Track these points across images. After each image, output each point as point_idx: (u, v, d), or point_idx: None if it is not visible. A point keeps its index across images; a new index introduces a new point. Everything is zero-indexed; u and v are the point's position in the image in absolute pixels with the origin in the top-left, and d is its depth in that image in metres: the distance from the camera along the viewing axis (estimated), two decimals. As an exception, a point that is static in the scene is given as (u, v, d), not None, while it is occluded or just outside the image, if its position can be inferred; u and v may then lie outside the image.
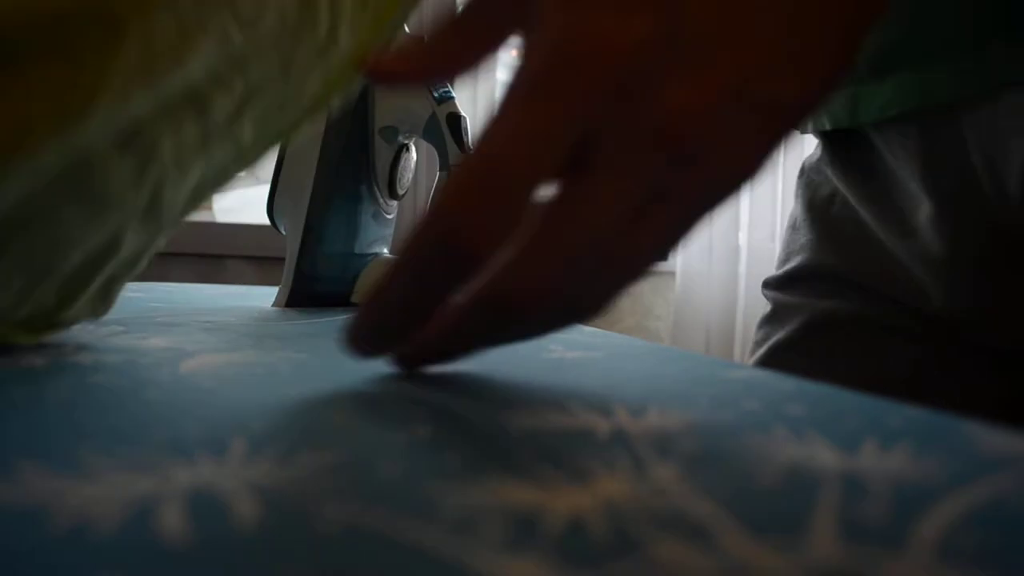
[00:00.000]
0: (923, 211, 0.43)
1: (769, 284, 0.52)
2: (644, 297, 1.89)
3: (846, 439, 0.15)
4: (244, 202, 1.61)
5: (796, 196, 0.52)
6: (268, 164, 0.52)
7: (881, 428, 0.16)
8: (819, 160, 0.50)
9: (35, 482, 0.12)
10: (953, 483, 0.12)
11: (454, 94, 0.55)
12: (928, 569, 0.09)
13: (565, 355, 0.28)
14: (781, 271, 0.51)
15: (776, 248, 2.01)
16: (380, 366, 0.24)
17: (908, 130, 0.43)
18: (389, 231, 0.59)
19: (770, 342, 0.49)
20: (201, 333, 0.33)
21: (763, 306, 0.54)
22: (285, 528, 0.10)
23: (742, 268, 1.77)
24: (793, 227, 0.52)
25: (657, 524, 0.10)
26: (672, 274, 1.84)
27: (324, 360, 0.26)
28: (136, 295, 0.65)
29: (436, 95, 0.54)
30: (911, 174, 0.43)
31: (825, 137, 0.49)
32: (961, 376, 0.45)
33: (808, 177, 0.51)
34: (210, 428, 0.15)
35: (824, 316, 0.47)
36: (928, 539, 0.10)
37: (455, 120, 0.54)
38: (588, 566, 0.09)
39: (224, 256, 1.58)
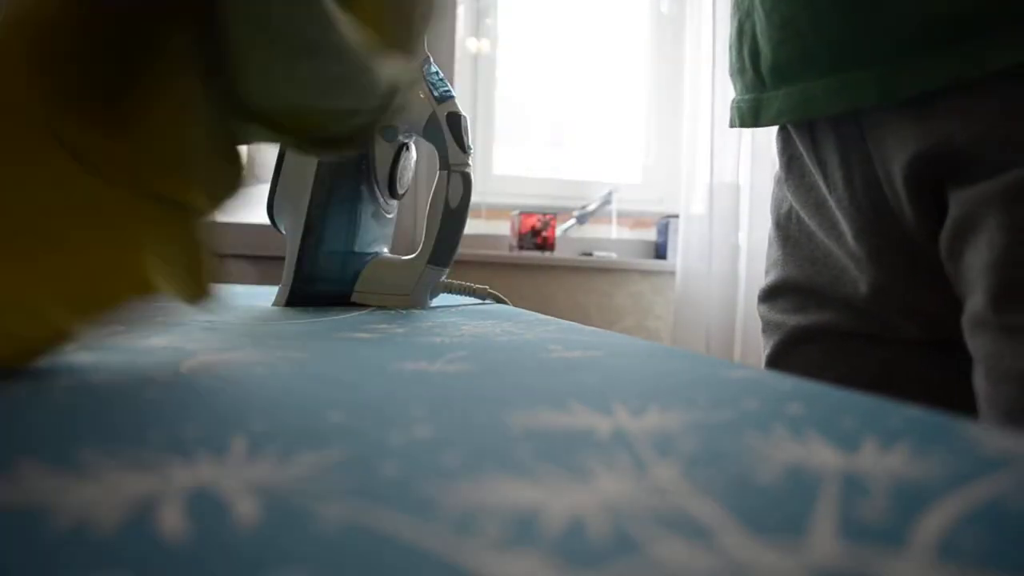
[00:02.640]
0: (845, 220, 0.48)
1: (759, 299, 0.58)
2: (644, 297, 1.89)
3: (846, 439, 0.15)
4: (244, 202, 1.61)
5: (771, 211, 0.58)
6: (267, 164, 0.52)
7: (881, 428, 0.16)
8: (778, 177, 0.55)
9: (35, 482, 0.12)
10: (953, 483, 0.12)
11: (454, 93, 0.55)
12: (928, 569, 0.09)
13: (565, 355, 0.28)
14: (765, 285, 0.57)
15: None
16: (380, 366, 0.24)
17: (830, 146, 0.48)
18: (389, 230, 0.59)
19: (765, 354, 0.56)
20: (201, 333, 0.33)
21: None
22: (285, 528, 0.10)
23: (742, 268, 1.77)
24: (769, 242, 0.57)
25: (657, 524, 0.10)
26: (672, 274, 1.84)
27: (324, 359, 0.26)
28: (136, 295, 0.65)
29: (436, 94, 0.54)
30: (834, 187, 0.48)
31: (781, 153, 0.55)
32: (919, 374, 0.49)
33: (774, 192, 0.57)
34: (210, 428, 0.15)
35: (797, 332, 0.53)
36: (928, 539, 0.10)
37: (455, 119, 0.54)
38: (588, 566, 0.09)
39: (224, 255, 1.57)
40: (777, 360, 0.53)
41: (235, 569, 0.09)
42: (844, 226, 0.48)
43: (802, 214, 0.52)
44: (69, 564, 0.09)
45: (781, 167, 0.54)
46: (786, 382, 0.22)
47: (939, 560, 0.09)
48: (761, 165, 1.83)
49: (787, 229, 0.53)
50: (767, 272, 0.56)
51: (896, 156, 0.43)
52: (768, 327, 0.55)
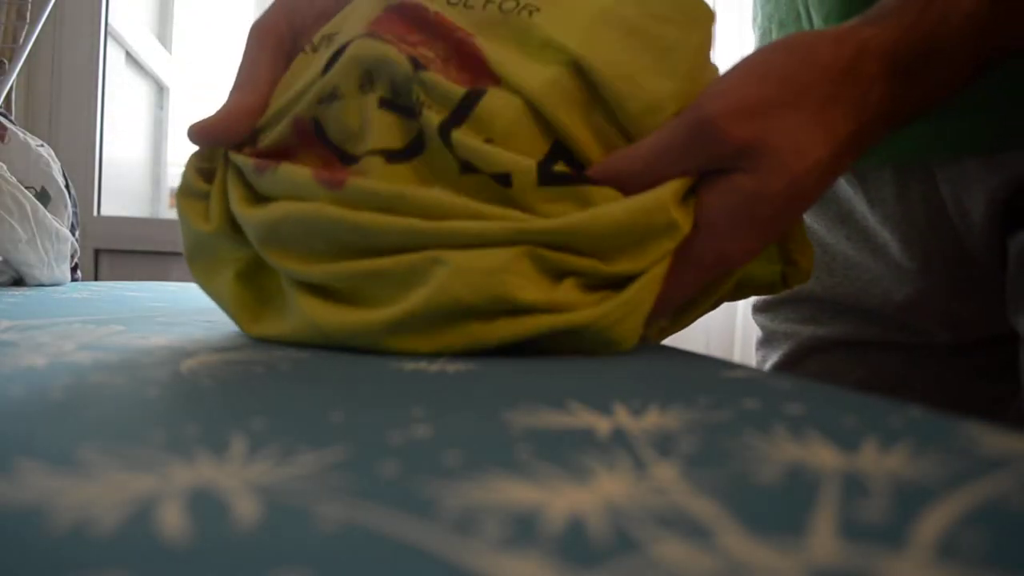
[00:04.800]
0: (893, 234, 0.47)
1: (757, 308, 0.57)
2: (644, 297, 1.89)
3: (846, 438, 0.15)
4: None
5: None
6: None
7: (881, 428, 0.16)
8: None
9: (35, 481, 0.12)
10: (953, 483, 0.12)
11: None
12: (928, 569, 0.09)
13: (565, 355, 0.28)
14: (765, 295, 0.56)
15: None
16: (380, 365, 0.24)
17: (875, 161, 0.47)
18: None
19: (767, 364, 0.56)
20: (201, 332, 0.33)
21: None
22: (285, 528, 0.10)
23: (742, 268, 1.77)
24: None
25: (657, 524, 0.10)
26: (672, 274, 1.84)
27: (324, 359, 0.26)
28: (136, 295, 0.65)
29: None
30: (880, 201, 0.47)
31: None
32: (938, 377, 0.49)
33: None
34: (210, 427, 0.15)
35: (809, 342, 0.53)
36: (928, 539, 0.10)
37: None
38: (588, 566, 0.09)
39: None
40: (789, 370, 0.53)
41: (235, 569, 0.09)
42: (886, 238, 0.47)
43: (815, 226, 0.52)
44: (69, 564, 0.09)
45: None
46: (786, 382, 0.22)
47: (939, 560, 0.09)
48: (761, 165, 1.82)
49: None
50: None
51: (978, 182, 0.42)
52: (773, 337, 0.55)
